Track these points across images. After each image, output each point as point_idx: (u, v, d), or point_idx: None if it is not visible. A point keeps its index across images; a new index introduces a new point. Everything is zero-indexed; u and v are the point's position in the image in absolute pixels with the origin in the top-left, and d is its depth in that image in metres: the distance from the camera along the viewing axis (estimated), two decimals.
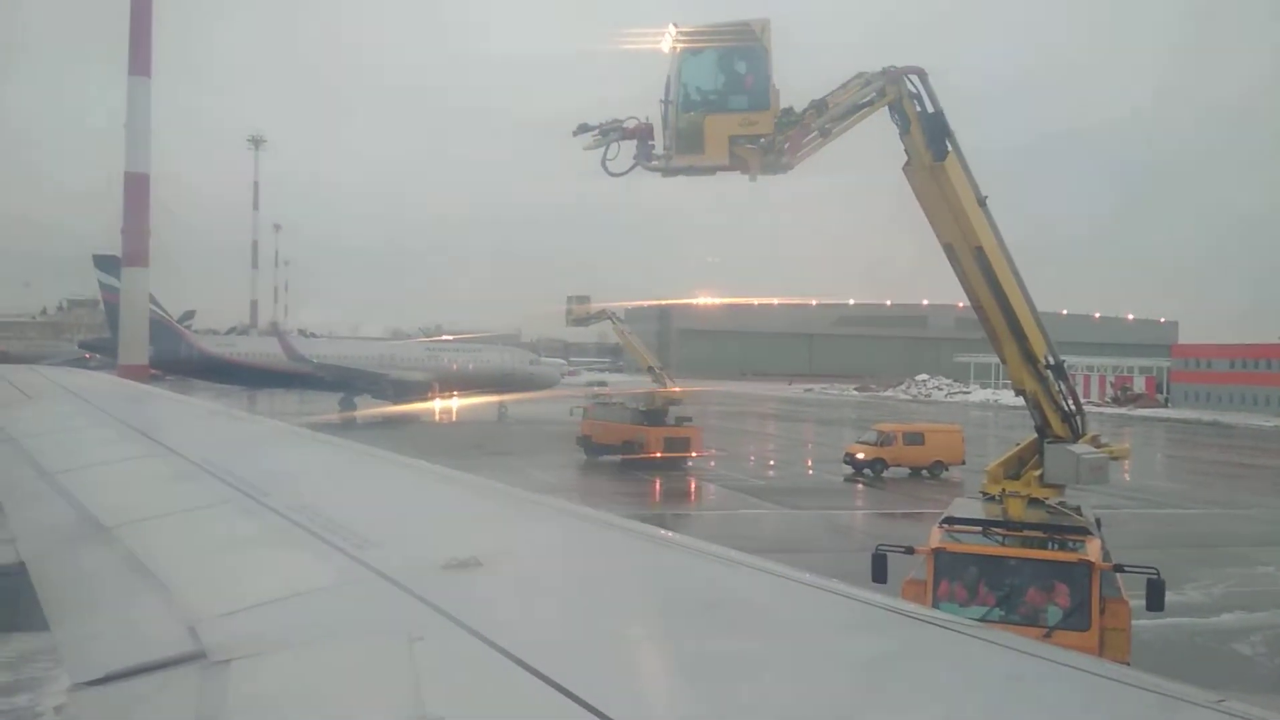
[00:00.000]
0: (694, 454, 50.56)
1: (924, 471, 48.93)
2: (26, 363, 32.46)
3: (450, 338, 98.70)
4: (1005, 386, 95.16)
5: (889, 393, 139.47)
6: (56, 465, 7.49)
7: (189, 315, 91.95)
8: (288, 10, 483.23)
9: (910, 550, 15.62)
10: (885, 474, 48.52)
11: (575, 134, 16.05)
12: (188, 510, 5.89)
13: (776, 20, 16.04)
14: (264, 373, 77.81)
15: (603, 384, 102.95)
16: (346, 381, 76.95)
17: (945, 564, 15.26)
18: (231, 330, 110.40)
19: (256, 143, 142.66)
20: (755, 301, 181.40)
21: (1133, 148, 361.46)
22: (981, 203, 16.32)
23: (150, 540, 5.15)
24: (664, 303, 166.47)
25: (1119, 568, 15.19)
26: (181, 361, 75.61)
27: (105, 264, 68.13)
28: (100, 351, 75.92)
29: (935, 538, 15.53)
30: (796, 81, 16.27)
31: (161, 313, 71.80)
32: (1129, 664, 13.42)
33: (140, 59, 54.69)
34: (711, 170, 16.00)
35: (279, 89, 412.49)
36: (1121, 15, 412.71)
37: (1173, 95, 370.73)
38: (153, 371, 59.61)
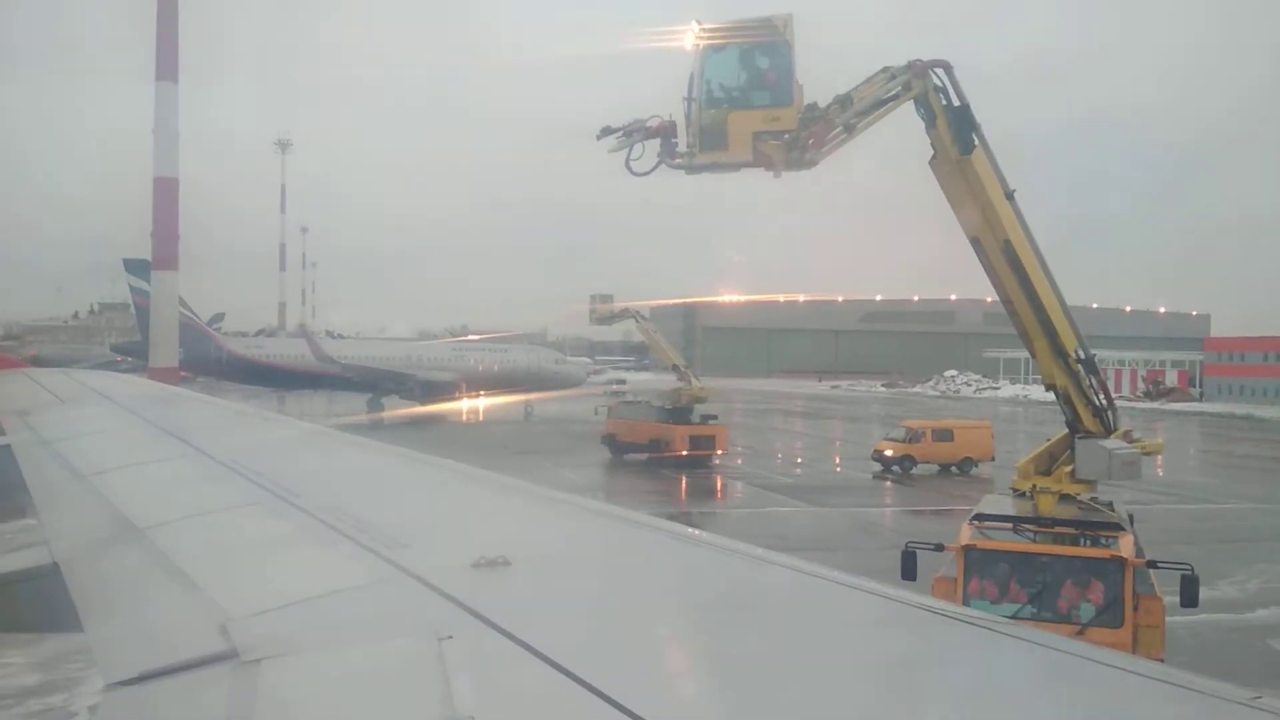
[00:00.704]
0: (720, 452, 50.46)
1: (953, 468, 48.65)
2: (59, 366, 32.84)
3: (476, 337, 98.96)
4: (1035, 382, 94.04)
5: (917, 389, 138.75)
6: (88, 467, 7.57)
7: (218, 318, 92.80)
8: (312, 14, 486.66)
9: (940, 547, 15.53)
10: (914, 471, 48.28)
11: (599, 138, 16.06)
12: (218, 511, 5.93)
13: (799, 15, 15.99)
14: (292, 374, 78.33)
15: (622, 382, 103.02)
16: (374, 382, 77.34)
17: (976, 561, 15.16)
18: (260, 332, 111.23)
19: (283, 146, 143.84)
20: (780, 298, 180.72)
21: (1164, 134, 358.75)
22: (1009, 196, 16.20)
23: (182, 541, 5.19)
24: (689, 300, 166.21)
25: (1152, 564, 15.05)
26: (211, 364, 76.29)
27: (136, 268, 68.80)
28: (132, 354, 76.64)
29: (965, 535, 15.44)
30: (820, 77, 16.21)
31: (191, 316, 72.46)
32: (1163, 661, 13.30)
33: (167, 64, 55.16)
34: (735, 167, 15.96)
35: (305, 92, 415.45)
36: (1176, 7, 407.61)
37: (1201, 81, 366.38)
38: (183, 374, 60.15)
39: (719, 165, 15.96)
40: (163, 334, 57.32)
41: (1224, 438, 79.48)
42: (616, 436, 53.10)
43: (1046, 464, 17.35)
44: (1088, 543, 15.49)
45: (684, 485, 45.15)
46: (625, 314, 55.72)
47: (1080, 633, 13.67)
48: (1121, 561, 14.51)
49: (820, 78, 16.19)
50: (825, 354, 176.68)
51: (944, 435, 49.80)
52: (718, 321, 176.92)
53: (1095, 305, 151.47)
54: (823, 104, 15.69)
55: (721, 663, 3.19)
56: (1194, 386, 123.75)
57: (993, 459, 48.15)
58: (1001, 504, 17.28)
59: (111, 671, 3.46)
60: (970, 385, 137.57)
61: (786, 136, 15.48)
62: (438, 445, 38.12)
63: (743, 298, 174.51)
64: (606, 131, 16.04)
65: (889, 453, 49.00)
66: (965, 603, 14.21)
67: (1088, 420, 16.96)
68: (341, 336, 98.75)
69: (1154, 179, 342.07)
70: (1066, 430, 17.37)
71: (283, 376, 79.21)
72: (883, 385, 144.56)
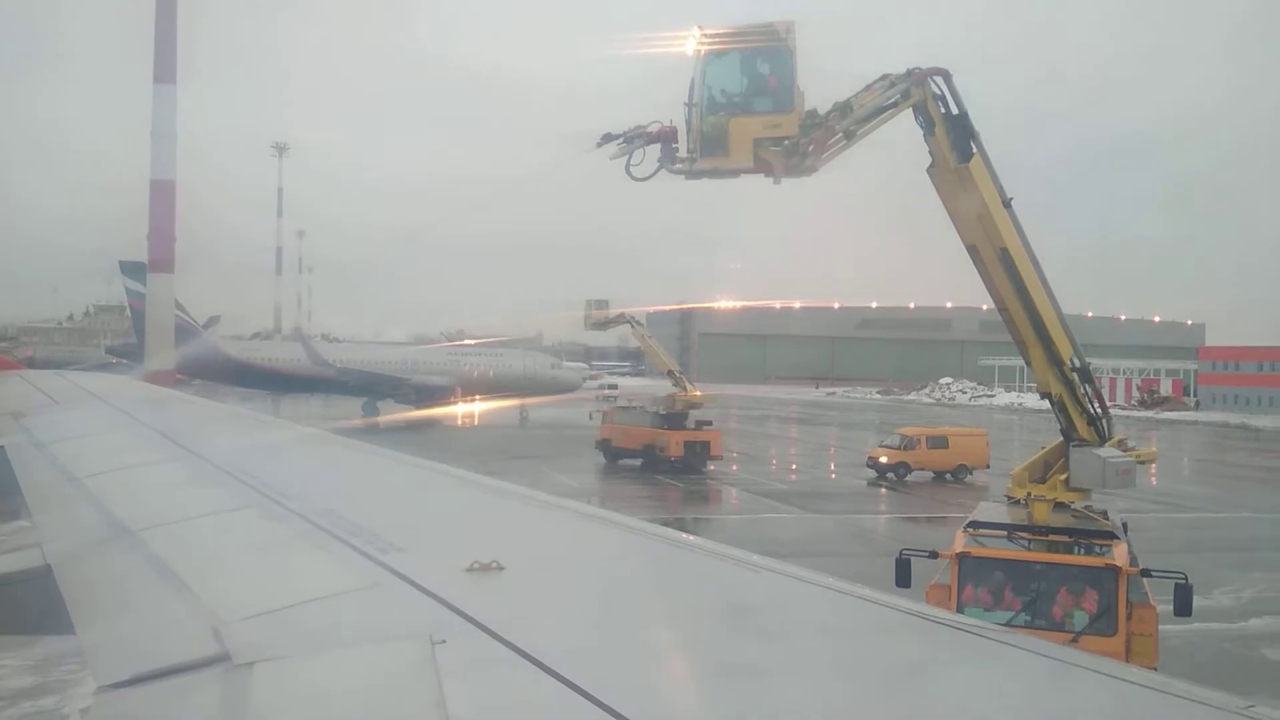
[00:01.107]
0: (714, 457, 50.43)
1: (948, 476, 48.66)
2: (54, 368, 32.81)
3: (472, 342, 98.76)
4: (1030, 390, 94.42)
5: (912, 396, 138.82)
6: (82, 469, 7.55)
7: (214, 320, 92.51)
8: (312, 20, 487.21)
9: (934, 555, 15.51)
10: (909, 478, 48.27)
11: (600, 145, 16.05)
12: (212, 514, 5.93)
13: (801, 21, 15.99)
14: (288, 377, 78.10)
15: (614, 387, 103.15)
16: (370, 386, 77.21)
17: (970, 569, 15.16)
18: (255, 335, 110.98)
19: (280, 149, 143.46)
20: (777, 304, 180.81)
21: (1165, 153, 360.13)
22: (1006, 204, 16.21)
23: (175, 544, 5.19)
24: (685, 306, 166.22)
25: (1146, 572, 15.04)
26: (206, 367, 76.07)
27: (131, 270, 68.65)
28: (127, 357, 76.48)
29: (960, 542, 15.43)
30: (821, 83, 16.22)
31: (187, 318, 72.32)
32: (1156, 669, 13.30)
33: (165, 66, 55.18)
34: (736, 173, 15.96)
35: (303, 96, 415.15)
36: (1159, 23, 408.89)
37: (1208, 103, 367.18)
38: (178, 376, 60.04)
39: (719, 171, 15.95)
40: (158, 336, 57.35)
41: (1218, 447, 79.60)
42: (611, 442, 53.03)
43: (1041, 472, 17.34)
44: (1082, 551, 15.48)
45: (678, 491, 45.11)
46: (620, 319, 55.70)
47: (1074, 641, 13.65)
48: (1115, 570, 14.51)
49: (820, 84, 16.20)
50: (821, 360, 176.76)
51: (939, 443, 49.81)
52: (713, 327, 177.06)
53: (1090, 314, 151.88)
54: (822, 111, 15.69)
55: (714, 668, 3.18)
56: (1189, 395, 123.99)
57: (988, 467, 48.14)
58: (996, 512, 17.28)
59: (104, 674, 3.45)
60: (965, 393, 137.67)
61: (787, 143, 15.46)
62: (433, 449, 38.08)
63: (739, 303, 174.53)
64: (607, 138, 16.03)
65: (884, 460, 48.96)
66: (959, 610, 14.18)
67: (1082, 428, 16.97)
68: (337, 340, 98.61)
69: (1157, 196, 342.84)
70: (1061, 438, 17.38)
71: (278, 380, 78.98)
72: (878, 392, 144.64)
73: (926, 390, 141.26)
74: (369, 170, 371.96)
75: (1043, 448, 18.01)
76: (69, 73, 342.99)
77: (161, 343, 57.10)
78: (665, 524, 7.34)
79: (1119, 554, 14.90)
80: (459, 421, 79.91)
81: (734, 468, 52.21)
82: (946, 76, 15.95)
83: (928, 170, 16.37)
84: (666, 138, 15.86)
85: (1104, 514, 16.84)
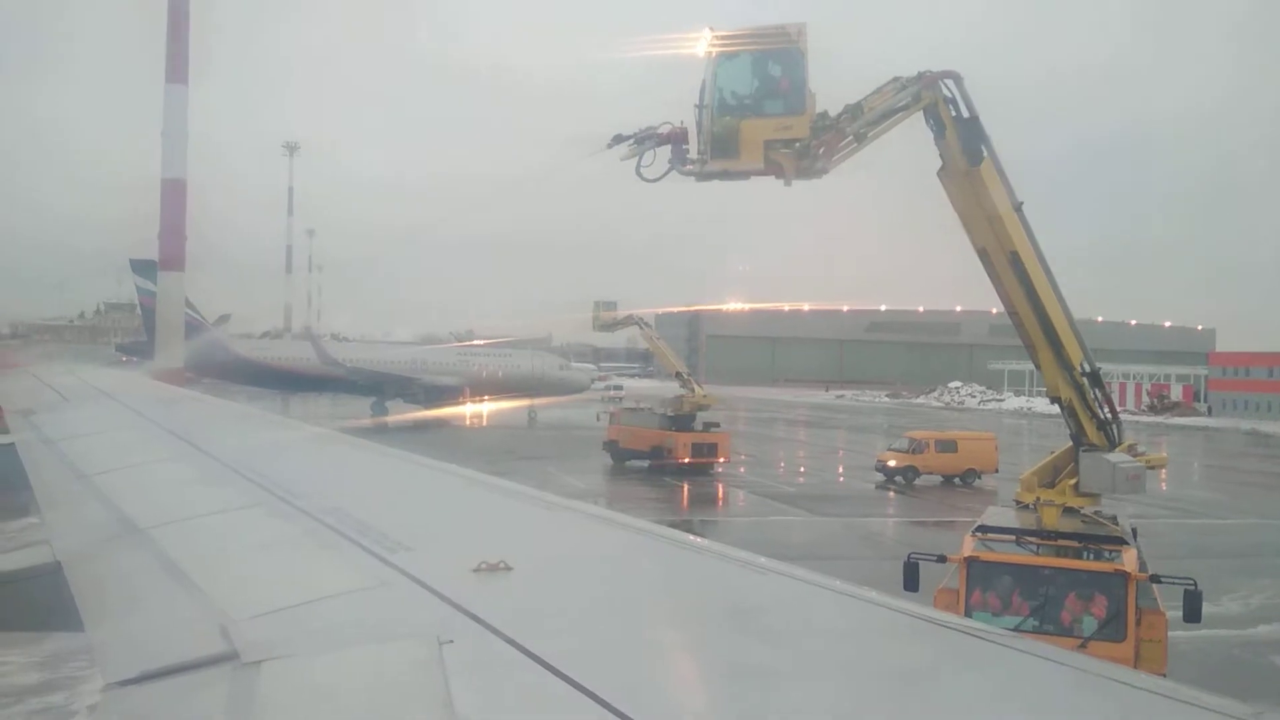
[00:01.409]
0: (722, 460, 50.38)
1: (957, 479, 48.56)
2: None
3: (481, 342, 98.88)
4: (1040, 394, 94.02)
5: (921, 400, 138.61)
6: (91, 466, 7.57)
7: (224, 319, 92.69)
8: (322, 18, 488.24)
9: (943, 559, 15.46)
10: (917, 482, 48.17)
11: (610, 146, 16.07)
12: (220, 512, 5.94)
13: (812, 24, 15.98)
14: (297, 376, 78.24)
15: (619, 388, 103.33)
16: (378, 385, 77.33)
17: (978, 573, 15.11)
18: (265, 334, 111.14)
19: (291, 149, 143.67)
20: (785, 307, 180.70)
21: (1167, 153, 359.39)
22: (1017, 208, 16.16)
23: (183, 541, 5.20)
24: (693, 308, 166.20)
25: (1155, 578, 14.98)
26: (216, 365, 76.23)
27: (142, 268, 68.90)
28: (137, 354, 76.64)
29: (968, 546, 15.39)
30: (832, 86, 16.20)
31: (197, 317, 72.52)
32: (1165, 676, 13.25)
33: (177, 66, 55.37)
34: (746, 175, 15.96)
35: (314, 97, 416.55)
36: (1159, 23, 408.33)
37: (1212, 103, 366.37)
38: (187, 375, 60.20)
39: (730, 173, 15.94)
40: (168, 334, 57.51)
41: (1228, 452, 79.28)
42: (618, 443, 53.00)
43: (1050, 477, 17.29)
44: (1091, 556, 15.43)
45: (686, 493, 45.07)
46: (629, 321, 55.76)
47: (1082, 646, 13.61)
48: (1124, 575, 14.45)
49: (832, 86, 16.17)
50: (829, 363, 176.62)
51: (948, 446, 49.68)
52: (722, 329, 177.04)
53: (1101, 318, 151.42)
54: (833, 113, 15.68)
55: (721, 671, 3.18)
56: (1199, 401, 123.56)
57: (997, 471, 48.03)
58: (1005, 516, 17.22)
59: (112, 671, 3.46)
60: (974, 397, 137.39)
61: (798, 145, 15.46)
62: (441, 449, 38.11)
63: (747, 306, 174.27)
64: (618, 139, 16.06)
65: (892, 463, 48.88)
66: (967, 614, 14.14)
67: (1092, 433, 16.91)
68: (346, 340, 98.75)
69: (1161, 197, 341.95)
70: (1071, 443, 17.32)
71: (288, 379, 79.13)
72: (886, 395, 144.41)
73: (935, 394, 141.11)
74: (375, 169, 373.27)
75: (1052, 452, 17.95)
76: (81, 73, 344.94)
77: (172, 341, 57.26)
78: (672, 526, 7.34)
79: (1128, 559, 14.84)
80: (467, 421, 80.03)
81: (742, 470, 52.15)
82: (957, 79, 15.92)
83: (938, 173, 16.32)
84: (677, 139, 15.87)
85: (1113, 519, 16.77)
